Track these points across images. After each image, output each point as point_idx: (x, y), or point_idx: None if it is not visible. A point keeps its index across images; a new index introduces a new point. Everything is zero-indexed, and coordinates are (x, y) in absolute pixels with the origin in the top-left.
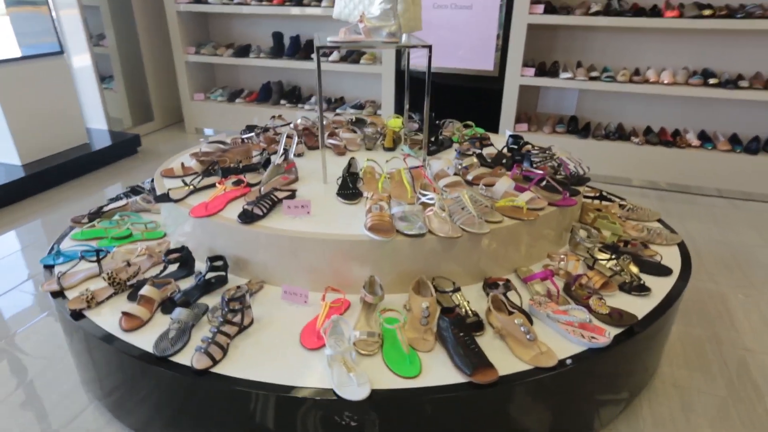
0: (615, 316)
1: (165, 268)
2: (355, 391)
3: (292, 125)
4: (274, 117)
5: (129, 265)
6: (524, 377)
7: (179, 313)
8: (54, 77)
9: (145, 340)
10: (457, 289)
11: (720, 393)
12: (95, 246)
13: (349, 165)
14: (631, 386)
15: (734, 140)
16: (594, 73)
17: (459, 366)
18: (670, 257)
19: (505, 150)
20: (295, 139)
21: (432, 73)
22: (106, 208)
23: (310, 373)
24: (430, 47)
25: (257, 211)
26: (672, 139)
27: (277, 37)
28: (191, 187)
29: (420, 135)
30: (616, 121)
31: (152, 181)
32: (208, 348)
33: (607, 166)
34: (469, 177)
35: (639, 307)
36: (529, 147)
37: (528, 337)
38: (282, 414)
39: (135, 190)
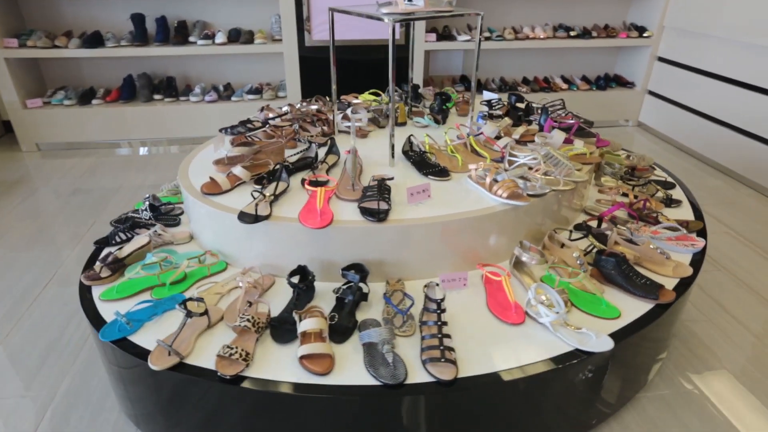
0: (684, 225)
1: (297, 294)
2: (599, 343)
3: (288, 113)
4: (263, 109)
5: (250, 304)
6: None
7: (379, 334)
8: None
9: (350, 375)
10: (585, 234)
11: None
12: (174, 298)
13: (411, 143)
14: None
15: (586, 80)
16: (486, 34)
17: (642, 296)
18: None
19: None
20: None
21: (339, 47)
22: (121, 253)
23: (535, 347)
24: (481, 15)
25: (383, 205)
26: (546, 84)
27: (138, 19)
28: (270, 197)
29: (417, 106)
30: (498, 75)
31: (149, 206)
32: (445, 354)
33: None
34: (516, 137)
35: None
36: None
37: (665, 256)
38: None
39: (134, 224)
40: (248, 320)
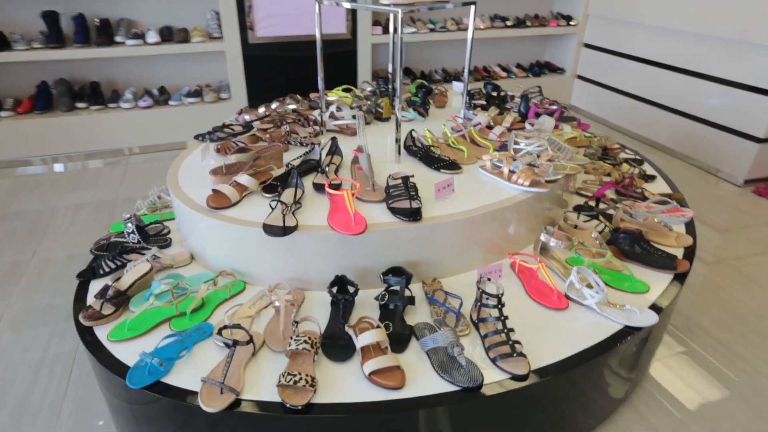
0: (668, 197)
1: (343, 308)
2: (644, 318)
3: (267, 114)
4: (241, 111)
5: (296, 324)
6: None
7: (445, 338)
8: None
9: (423, 384)
10: (594, 215)
11: None
12: (201, 328)
13: (414, 139)
14: None
15: (521, 68)
16: (430, 26)
17: (661, 268)
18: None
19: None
20: (361, 122)
21: (282, 44)
22: (122, 285)
23: (587, 329)
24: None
25: (415, 204)
26: (487, 73)
27: (51, 18)
28: (294, 205)
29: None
30: (439, 66)
31: (134, 227)
32: (515, 348)
33: None
34: (506, 125)
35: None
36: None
37: (669, 228)
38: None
39: (122, 249)
40: (305, 341)
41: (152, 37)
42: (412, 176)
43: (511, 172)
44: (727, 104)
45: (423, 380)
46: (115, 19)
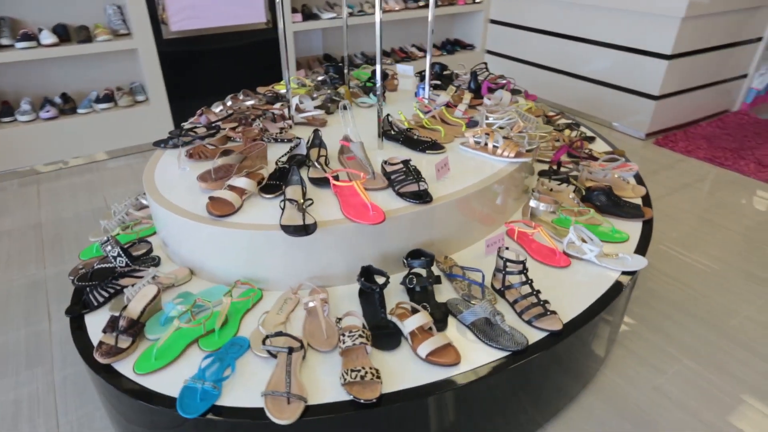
0: (612, 154)
1: (379, 296)
2: (636, 262)
3: (230, 113)
4: (202, 112)
5: (339, 320)
6: None
7: (484, 309)
8: None
9: (476, 356)
10: (564, 179)
11: None
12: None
13: (390, 123)
14: None
15: (435, 47)
16: (348, 10)
17: (631, 217)
18: None
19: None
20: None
21: (200, 38)
22: (133, 313)
23: (594, 280)
24: None
25: (422, 186)
26: (405, 54)
27: None
28: (307, 201)
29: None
30: (359, 50)
31: (120, 248)
32: (547, 307)
33: None
34: (466, 102)
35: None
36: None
37: (627, 181)
38: None
39: (113, 276)
40: (360, 335)
41: (47, 37)
42: (409, 160)
43: (494, 146)
44: (626, 68)
45: (472, 352)
46: None
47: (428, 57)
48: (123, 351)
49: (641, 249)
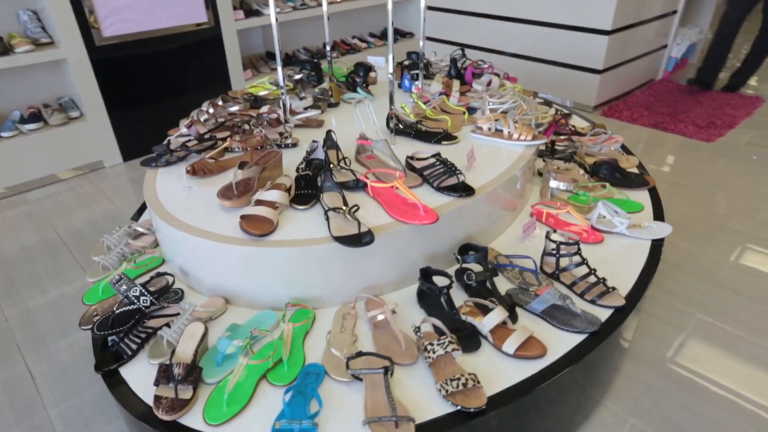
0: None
1: (448, 297)
2: (661, 229)
3: (222, 122)
4: (191, 124)
5: (419, 329)
6: None
7: (553, 295)
8: None
9: (557, 343)
10: (568, 157)
11: None
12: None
13: (397, 118)
14: None
15: (376, 37)
16: (291, 4)
17: (638, 186)
18: None
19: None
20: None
21: (139, 41)
22: (184, 358)
23: (631, 251)
24: None
25: (461, 178)
26: (348, 47)
27: None
28: (353, 207)
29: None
30: (301, 45)
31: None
32: (608, 285)
33: None
34: (457, 89)
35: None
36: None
37: (621, 152)
38: None
39: (140, 318)
40: (450, 342)
41: None
42: (438, 154)
43: (509, 132)
44: (569, 45)
45: (553, 340)
46: None
47: (422, 44)
48: (188, 402)
49: (658, 216)
